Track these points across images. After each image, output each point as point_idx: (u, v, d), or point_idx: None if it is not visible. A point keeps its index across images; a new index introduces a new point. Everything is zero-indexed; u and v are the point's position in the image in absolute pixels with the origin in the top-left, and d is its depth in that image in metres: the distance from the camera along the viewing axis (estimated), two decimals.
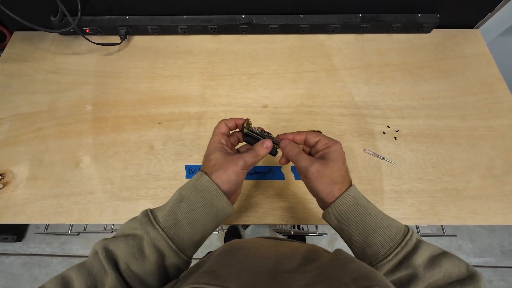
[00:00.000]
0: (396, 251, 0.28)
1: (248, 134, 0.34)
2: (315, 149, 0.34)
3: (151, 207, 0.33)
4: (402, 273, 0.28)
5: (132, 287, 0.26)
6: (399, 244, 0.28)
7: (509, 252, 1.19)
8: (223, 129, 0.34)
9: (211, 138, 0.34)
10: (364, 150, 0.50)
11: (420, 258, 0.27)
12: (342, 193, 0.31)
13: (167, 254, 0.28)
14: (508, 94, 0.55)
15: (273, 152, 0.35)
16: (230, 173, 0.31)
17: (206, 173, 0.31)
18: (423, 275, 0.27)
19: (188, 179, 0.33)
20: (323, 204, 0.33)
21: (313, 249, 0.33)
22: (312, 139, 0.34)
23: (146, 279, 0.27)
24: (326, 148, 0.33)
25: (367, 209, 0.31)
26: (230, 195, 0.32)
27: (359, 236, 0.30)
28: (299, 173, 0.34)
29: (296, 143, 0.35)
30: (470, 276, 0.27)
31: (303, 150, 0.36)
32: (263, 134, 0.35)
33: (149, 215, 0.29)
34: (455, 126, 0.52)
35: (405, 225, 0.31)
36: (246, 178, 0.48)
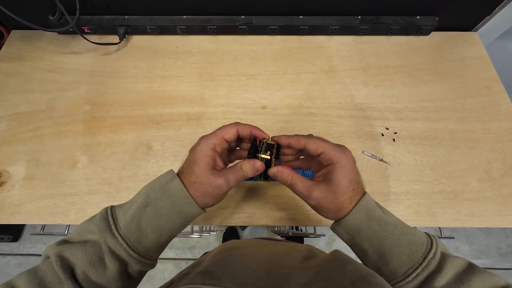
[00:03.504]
0: (416, 272, 0.25)
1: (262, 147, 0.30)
2: (317, 162, 0.29)
3: None
4: None
5: None
6: (420, 264, 0.25)
7: (506, 254, 1.20)
8: (229, 135, 0.29)
9: (206, 139, 0.29)
10: (363, 152, 0.50)
11: (445, 278, 0.24)
12: (354, 206, 0.27)
13: (129, 261, 0.26)
14: (506, 97, 0.55)
15: (267, 177, 0.30)
16: (209, 198, 0.28)
17: (183, 181, 0.28)
18: None
19: (159, 175, 0.29)
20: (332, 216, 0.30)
21: (310, 249, 0.33)
22: (314, 149, 0.28)
23: (107, 286, 0.25)
24: (329, 165, 0.27)
25: (382, 223, 0.27)
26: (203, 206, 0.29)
27: (374, 253, 0.27)
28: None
29: (293, 148, 0.31)
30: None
31: (304, 156, 0.32)
32: (269, 161, 0.30)
33: (109, 219, 0.26)
34: (453, 128, 0.52)
35: (428, 237, 0.27)
36: (244, 180, 0.47)
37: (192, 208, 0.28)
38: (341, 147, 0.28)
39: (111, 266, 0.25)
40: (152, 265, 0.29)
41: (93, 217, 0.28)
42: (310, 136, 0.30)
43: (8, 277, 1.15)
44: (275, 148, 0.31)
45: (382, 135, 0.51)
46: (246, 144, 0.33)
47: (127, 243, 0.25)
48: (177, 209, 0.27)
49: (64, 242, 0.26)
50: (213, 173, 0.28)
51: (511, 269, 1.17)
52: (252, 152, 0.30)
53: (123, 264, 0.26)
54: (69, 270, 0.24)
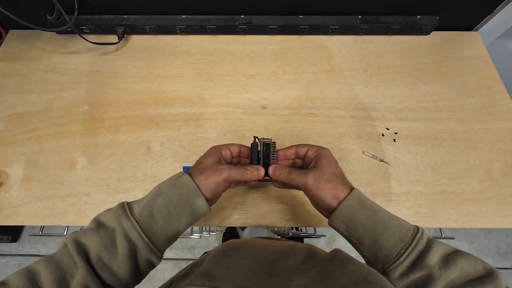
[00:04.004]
0: (408, 251, 0.27)
1: (258, 146, 0.36)
2: (307, 158, 0.35)
3: None
4: (417, 275, 0.27)
5: (103, 279, 0.26)
6: (410, 244, 0.27)
7: (505, 253, 1.20)
8: (235, 149, 0.36)
9: (215, 146, 0.35)
10: (363, 152, 0.49)
11: (434, 257, 0.26)
12: (346, 196, 0.31)
13: (138, 246, 0.28)
14: (507, 97, 0.55)
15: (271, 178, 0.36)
16: (210, 181, 0.31)
17: (189, 174, 0.32)
18: (439, 275, 0.26)
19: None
20: (328, 212, 0.33)
21: (310, 248, 0.33)
22: (302, 149, 0.35)
23: (117, 271, 0.27)
24: (317, 155, 0.33)
25: (373, 210, 0.30)
26: (207, 199, 0.32)
27: (368, 238, 0.29)
28: (301, 189, 0.34)
29: (288, 158, 0.36)
30: (488, 274, 0.26)
31: (296, 164, 0.37)
32: (268, 158, 0.36)
33: (125, 207, 0.29)
34: (454, 128, 0.52)
35: (414, 225, 0.30)
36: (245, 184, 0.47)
37: (197, 200, 0.30)
38: (324, 148, 0.34)
39: (122, 248, 0.27)
40: (158, 257, 0.30)
41: (110, 209, 0.30)
42: (300, 144, 0.36)
43: None
44: (271, 147, 0.36)
45: (383, 135, 0.51)
46: (245, 159, 0.38)
47: (140, 226, 0.28)
48: (185, 198, 0.30)
49: (80, 230, 0.28)
50: (219, 162, 0.33)
51: (510, 268, 1.17)
52: (254, 152, 0.36)
53: (132, 247, 0.27)
54: (84, 254, 0.26)
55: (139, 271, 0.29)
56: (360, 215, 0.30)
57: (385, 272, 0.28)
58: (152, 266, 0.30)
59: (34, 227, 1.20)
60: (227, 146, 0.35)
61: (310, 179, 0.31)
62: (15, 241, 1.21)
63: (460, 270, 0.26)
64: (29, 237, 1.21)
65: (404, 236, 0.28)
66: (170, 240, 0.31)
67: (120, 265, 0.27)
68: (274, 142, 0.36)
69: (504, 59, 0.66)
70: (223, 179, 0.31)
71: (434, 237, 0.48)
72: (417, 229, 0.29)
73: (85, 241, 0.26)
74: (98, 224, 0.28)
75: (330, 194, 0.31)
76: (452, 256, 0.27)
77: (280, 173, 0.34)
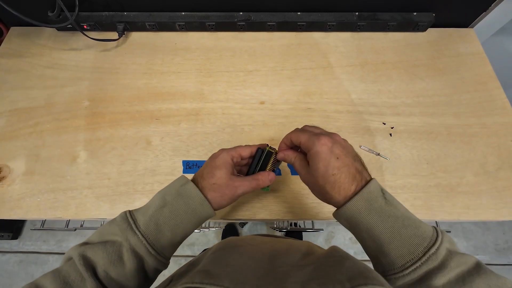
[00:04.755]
0: (414, 267, 0.24)
1: (265, 155, 0.35)
2: (302, 149, 0.31)
3: (147, 202, 0.33)
4: None
5: None
6: (420, 258, 0.24)
7: (503, 250, 1.21)
8: (245, 153, 0.33)
9: (227, 150, 0.33)
10: (360, 146, 0.50)
11: (446, 277, 0.23)
12: (351, 197, 0.27)
13: (146, 258, 0.28)
14: (501, 92, 0.56)
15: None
16: (226, 199, 0.31)
17: (199, 186, 0.30)
18: None
19: (171, 182, 0.32)
20: (334, 204, 0.30)
21: (308, 245, 0.33)
22: (295, 141, 0.31)
23: (125, 284, 0.27)
24: (308, 151, 0.29)
25: (383, 215, 0.26)
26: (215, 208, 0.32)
27: (373, 243, 0.26)
28: None
29: (288, 146, 0.33)
30: None
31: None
32: (275, 166, 0.35)
33: (129, 219, 0.28)
34: (449, 123, 0.53)
35: (434, 231, 0.26)
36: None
37: (205, 209, 0.30)
38: (317, 135, 0.28)
39: (129, 263, 0.26)
40: (165, 265, 0.30)
41: (113, 220, 0.29)
42: (295, 130, 0.32)
43: (8, 274, 1.15)
44: (275, 154, 0.35)
45: (379, 130, 0.52)
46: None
47: (147, 240, 0.27)
48: (191, 209, 0.29)
49: (85, 243, 0.28)
50: (231, 177, 0.31)
51: (508, 265, 1.18)
52: (257, 159, 0.35)
53: (140, 261, 0.27)
54: (91, 269, 0.25)
55: (147, 279, 0.29)
56: (366, 219, 0.26)
57: (383, 274, 0.26)
58: (158, 272, 0.30)
59: (34, 224, 1.20)
60: (237, 151, 0.33)
61: (302, 178, 0.30)
62: (16, 238, 1.21)
63: None
64: (30, 234, 1.22)
65: (414, 248, 0.24)
66: (176, 246, 0.31)
67: (128, 279, 0.27)
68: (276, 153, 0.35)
69: (499, 55, 0.67)
70: (238, 195, 0.31)
71: None
72: (433, 241, 0.24)
73: (92, 256, 0.26)
74: (104, 240, 0.28)
75: (319, 192, 0.29)
76: (469, 276, 0.23)
77: (288, 158, 0.32)
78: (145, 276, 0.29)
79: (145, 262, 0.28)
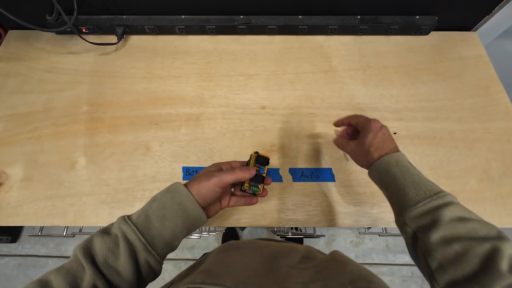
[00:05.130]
0: (426, 201, 0.29)
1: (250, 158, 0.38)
2: (358, 127, 0.39)
3: None
4: (428, 220, 0.28)
5: (110, 280, 0.27)
6: (431, 196, 0.29)
7: None
8: (236, 165, 0.37)
9: (218, 163, 0.36)
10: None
11: (449, 213, 0.27)
12: (385, 154, 0.34)
13: (137, 247, 0.29)
14: (505, 97, 0.55)
15: (255, 190, 0.36)
16: (202, 185, 0.32)
17: (185, 184, 0.33)
18: (446, 223, 0.27)
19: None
20: (369, 165, 0.36)
21: (308, 249, 0.33)
22: (354, 122, 0.39)
23: (122, 273, 0.28)
24: (360, 127, 0.38)
25: (408, 169, 0.32)
26: (204, 206, 0.33)
27: (395, 187, 0.32)
28: None
29: (345, 124, 0.41)
30: (499, 236, 0.25)
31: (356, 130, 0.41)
32: (261, 164, 0.37)
33: (124, 217, 0.31)
34: (452, 128, 0.52)
35: (447, 192, 0.30)
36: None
37: (190, 202, 0.32)
38: (370, 120, 0.37)
39: (123, 250, 0.28)
40: (159, 262, 0.30)
41: (111, 223, 0.32)
42: (354, 115, 0.40)
43: (7, 278, 1.15)
44: (255, 154, 0.38)
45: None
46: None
47: (137, 227, 0.29)
48: (177, 201, 0.31)
49: (87, 238, 0.30)
50: (212, 172, 0.34)
51: None
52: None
53: (132, 249, 0.29)
54: (91, 257, 0.27)
55: (141, 274, 0.29)
56: (394, 170, 0.32)
57: (400, 214, 0.31)
58: (153, 271, 0.30)
59: (33, 228, 1.19)
60: (228, 162, 0.37)
61: (348, 149, 0.39)
62: (15, 242, 1.20)
63: (469, 228, 0.26)
64: (29, 237, 1.21)
65: (428, 191, 0.29)
66: (169, 244, 0.31)
67: (123, 266, 0.28)
68: (268, 161, 0.38)
69: (503, 59, 0.66)
70: (214, 183, 0.32)
71: None
72: (445, 192, 0.29)
73: (91, 246, 0.28)
74: (103, 232, 0.30)
75: (364, 162, 0.37)
76: (469, 219, 0.27)
77: (336, 143, 0.41)
78: (138, 267, 0.29)
79: (136, 250, 0.29)
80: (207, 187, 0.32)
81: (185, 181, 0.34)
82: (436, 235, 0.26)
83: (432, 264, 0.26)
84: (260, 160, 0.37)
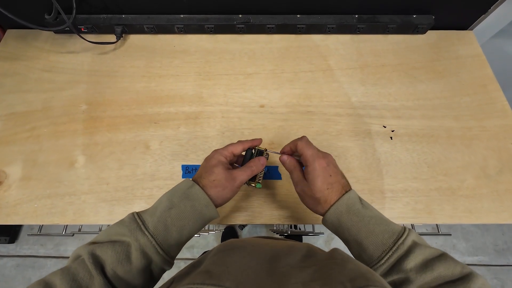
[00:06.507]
0: (388, 256, 0.29)
1: (257, 153, 0.39)
2: (302, 160, 0.35)
3: (147, 207, 0.33)
4: (394, 277, 0.29)
5: None
6: (391, 248, 0.29)
7: (502, 250, 1.21)
8: (237, 150, 0.36)
9: (219, 151, 0.35)
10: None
11: (412, 262, 0.28)
12: (335, 202, 0.32)
13: (154, 258, 0.28)
14: (501, 95, 0.56)
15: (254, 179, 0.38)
16: (228, 191, 0.33)
17: (200, 184, 0.33)
18: (414, 278, 0.27)
19: (177, 184, 0.34)
20: (321, 213, 0.35)
21: (309, 247, 0.33)
22: (300, 149, 0.35)
23: (132, 282, 0.27)
24: (307, 166, 0.34)
25: (360, 216, 0.31)
26: (218, 205, 0.34)
27: (354, 242, 0.31)
28: None
29: (289, 154, 0.37)
30: (463, 277, 0.27)
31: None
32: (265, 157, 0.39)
33: (137, 220, 0.29)
34: (449, 126, 0.52)
35: (403, 227, 0.31)
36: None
37: (210, 211, 0.32)
38: (315, 159, 0.33)
39: (137, 262, 0.27)
40: (171, 264, 0.31)
41: (121, 221, 0.30)
42: (303, 140, 0.35)
43: (5, 279, 1.14)
44: (265, 152, 0.39)
45: (380, 133, 0.52)
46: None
47: (155, 241, 0.28)
48: (198, 211, 0.31)
49: (93, 243, 0.29)
50: (229, 170, 0.34)
51: (507, 265, 1.19)
52: (247, 158, 0.38)
53: (148, 261, 0.28)
54: (100, 267, 0.26)
55: (153, 279, 0.30)
56: (346, 220, 0.31)
57: None
58: (163, 271, 0.31)
59: (32, 228, 1.19)
60: (229, 149, 0.36)
61: (297, 189, 0.35)
62: (13, 242, 1.20)
63: (436, 275, 0.27)
64: (27, 237, 1.21)
65: (386, 241, 0.30)
66: (181, 246, 0.32)
67: (135, 277, 0.27)
68: (268, 154, 0.39)
69: (499, 58, 0.67)
70: (237, 186, 0.34)
71: (431, 234, 0.49)
72: (401, 234, 0.30)
73: (101, 255, 0.27)
74: (112, 238, 0.29)
75: (313, 208, 0.34)
76: (431, 262, 0.28)
77: (289, 164, 0.36)
78: (150, 275, 0.29)
79: (152, 262, 0.29)
80: (232, 191, 0.33)
81: (200, 181, 0.34)
82: None
83: None
84: (266, 156, 0.39)
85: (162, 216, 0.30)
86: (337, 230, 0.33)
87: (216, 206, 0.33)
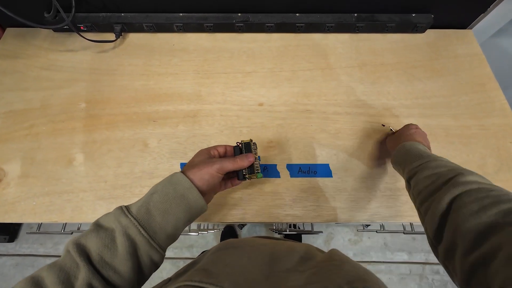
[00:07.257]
0: (418, 163, 0.35)
1: (245, 148, 0.38)
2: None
3: None
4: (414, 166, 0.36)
5: (106, 277, 0.26)
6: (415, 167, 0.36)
7: None
8: (221, 150, 0.37)
9: (203, 148, 0.37)
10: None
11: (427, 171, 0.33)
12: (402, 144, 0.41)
13: (138, 241, 0.28)
14: (500, 94, 0.55)
15: (240, 177, 0.37)
16: (204, 171, 0.32)
17: (182, 172, 0.33)
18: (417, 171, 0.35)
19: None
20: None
21: (308, 249, 0.33)
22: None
23: (120, 268, 0.27)
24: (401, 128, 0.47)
25: (415, 147, 0.39)
26: (203, 194, 0.33)
27: (403, 162, 0.39)
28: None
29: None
30: (456, 176, 0.30)
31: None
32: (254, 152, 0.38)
33: (123, 208, 0.30)
34: (447, 125, 0.52)
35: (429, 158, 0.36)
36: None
37: (192, 193, 0.31)
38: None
39: (122, 246, 0.27)
40: (161, 255, 0.30)
41: (109, 212, 0.31)
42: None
43: (4, 278, 1.14)
44: (251, 146, 0.38)
45: (378, 131, 0.52)
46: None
47: (138, 222, 0.28)
48: (180, 194, 0.31)
49: (81, 234, 0.29)
50: (209, 158, 0.35)
51: None
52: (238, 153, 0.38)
53: (132, 244, 0.28)
54: (85, 255, 0.26)
55: (141, 269, 0.29)
56: (407, 147, 0.39)
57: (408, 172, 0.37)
58: (155, 265, 0.30)
59: (31, 226, 1.19)
60: (214, 147, 0.37)
61: (387, 137, 0.49)
62: (12, 241, 1.20)
63: (436, 165, 0.34)
64: (27, 236, 1.21)
65: (413, 163, 0.36)
66: (171, 237, 0.31)
67: (121, 263, 0.27)
68: (255, 143, 0.39)
69: (498, 56, 0.67)
70: (215, 169, 0.33)
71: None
72: (427, 160, 0.35)
73: (86, 243, 0.27)
74: (98, 226, 0.29)
75: (392, 145, 0.45)
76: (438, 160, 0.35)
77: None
78: (138, 263, 0.28)
79: (137, 246, 0.28)
80: (210, 173, 0.32)
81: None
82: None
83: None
84: (254, 146, 0.38)
85: (145, 200, 0.30)
86: (397, 154, 0.40)
87: (202, 192, 0.32)
